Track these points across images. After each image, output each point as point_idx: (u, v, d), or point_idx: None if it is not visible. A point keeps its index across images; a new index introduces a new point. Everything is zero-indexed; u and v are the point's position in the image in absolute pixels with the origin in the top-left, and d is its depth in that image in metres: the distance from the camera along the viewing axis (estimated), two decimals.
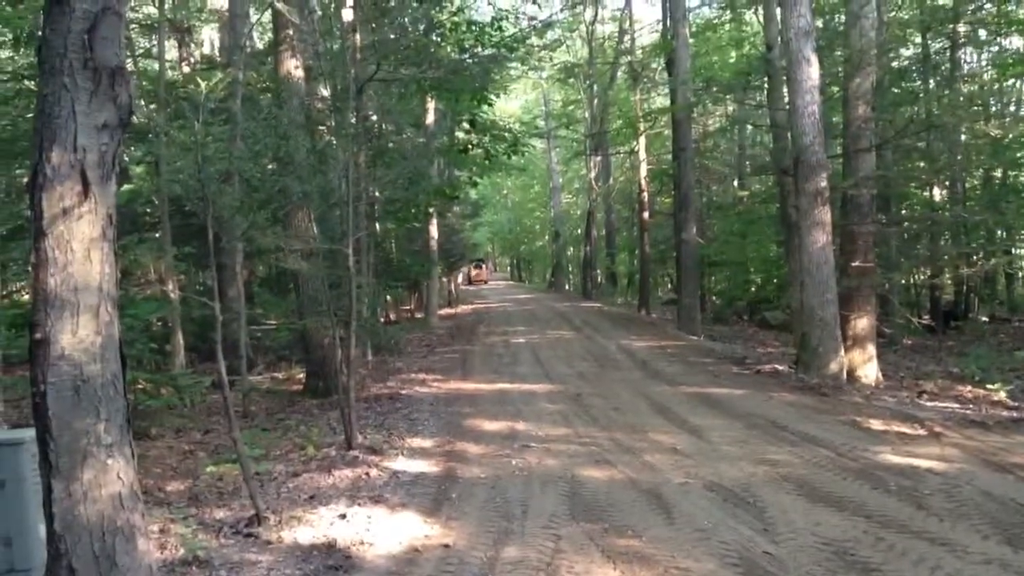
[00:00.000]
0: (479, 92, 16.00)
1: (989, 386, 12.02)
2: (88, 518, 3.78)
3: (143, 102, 16.23)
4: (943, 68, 22.00)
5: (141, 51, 20.35)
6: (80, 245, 3.79)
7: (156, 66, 18.43)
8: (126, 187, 15.64)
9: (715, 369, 14.72)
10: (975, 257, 20.66)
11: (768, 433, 9.17)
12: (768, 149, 24.34)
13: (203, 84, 11.70)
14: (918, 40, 21.17)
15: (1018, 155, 19.68)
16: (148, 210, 18.31)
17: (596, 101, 37.10)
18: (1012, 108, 23.93)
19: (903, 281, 21.25)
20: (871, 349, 13.52)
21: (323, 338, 13.02)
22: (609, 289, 41.48)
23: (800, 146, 13.10)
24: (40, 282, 3.75)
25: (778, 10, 15.81)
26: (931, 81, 22.08)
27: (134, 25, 18.78)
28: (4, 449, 4.89)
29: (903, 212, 21.48)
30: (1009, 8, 18.47)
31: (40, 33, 3.92)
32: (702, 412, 10.59)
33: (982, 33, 20.94)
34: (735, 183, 34.04)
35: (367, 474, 7.81)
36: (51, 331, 3.72)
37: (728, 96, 24.56)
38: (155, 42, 19.71)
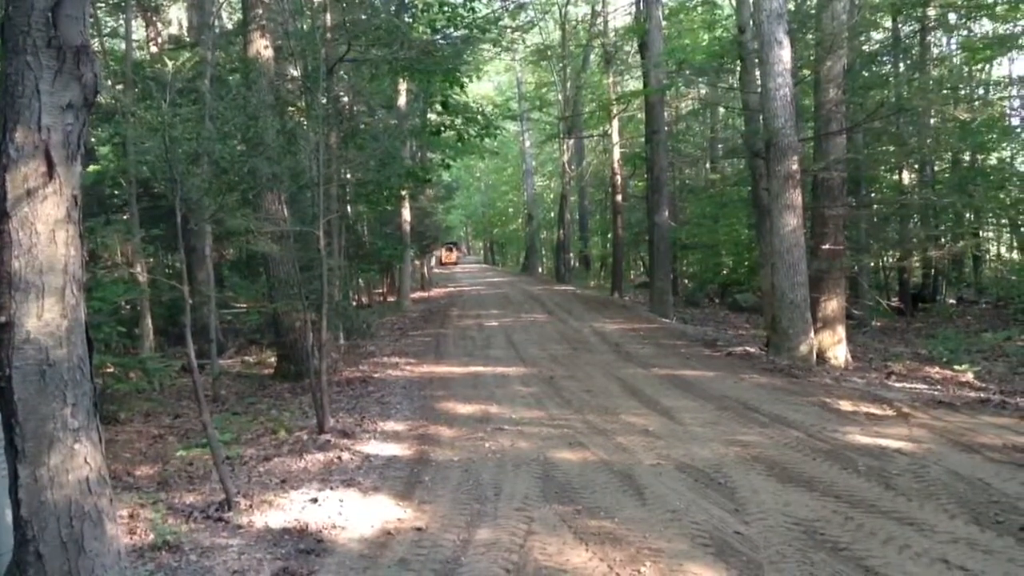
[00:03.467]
0: (451, 73, 15.89)
1: (957, 367, 12.19)
2: (55, 503, 3.74)
3: (109, 82, 15.98)
4: (913, 52, 22.17)
5: (108, 31, 20.03)
6: (45, 227, 3.73)
7: (123, 46, 18.16)
8: (92, 168, 15.41)
9: (687, 351, 14.80)
10: (943, 240, 20.90)
11: (739, 414, 9.23)
12: (740, 132, 24.43)
13: (171, 64, 11.54)
14: (889, 24, 21.30)
15: (986, 138, 19.92)
16: (115, 191, 18.08)
17: (569, 84, 37.01)
18: (981, 92, 24.13)
19: (872, 264, 21.49)
20: (841, 331, 13.65)
21: (294, 321, 12.95)
22: (582, 272, 41.55)
23: (772, 129, 13.14)
24: (4, 264, 3.68)
25: None
26: (901, 65, 22.25)
27: (101, 4, 18.46)
28: None
29: (873, 195, 21.68)
30: None
31: (3, 10, 3.84)
32: (674, 394, 10.65)
33: (952, 17, 21.09)
34: (707, 166, 34.19)
35: (339, 458, 7.78)
36: (16, 314, 3.67)
37: (701, 79, 24.61)
38: (122, 21, 19.41)
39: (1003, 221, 23.60)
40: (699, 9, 27.63)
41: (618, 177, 30.71)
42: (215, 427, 7.19)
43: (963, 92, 23.13)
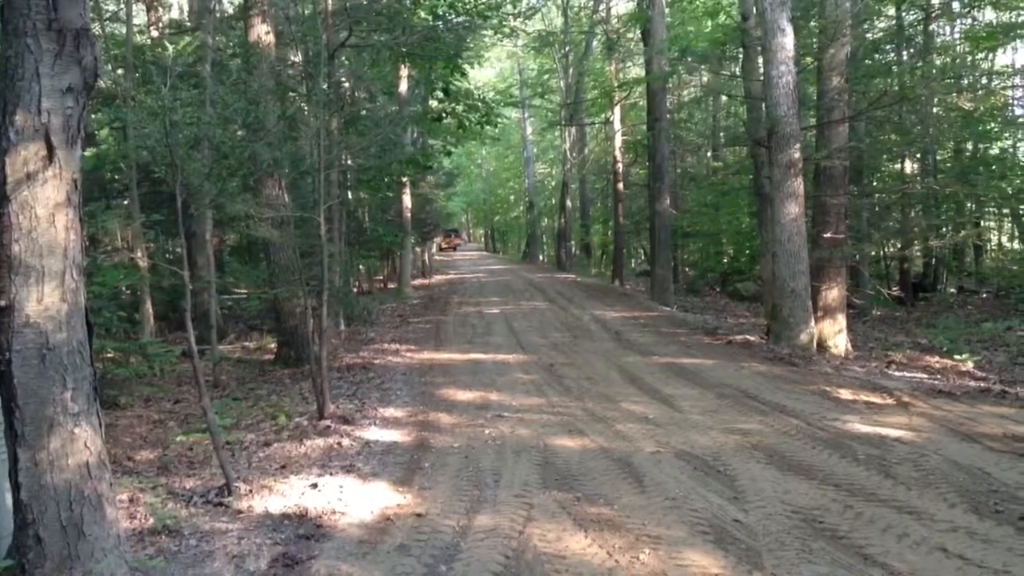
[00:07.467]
0: (452, 60, 15.85)
1: (957, 357, 12.17)
2: (55, 487, 3.74)
3: (110, 66, 15.94)
4: (916, 40, 22.08)
5: (108, 14, 19.96)
6: (45, 210, 3.73)
7: (124, 30, 18.10)
8: (92, 152, 15.38)
9: (687, 339, 14.79)
10: (944, 229, 20.85)
11: (739, 403, 9.24)
12: (742, 120, 24.36)
13: (171, 48, 11.50)
14: (892, 12, 21.21)
15: (989, 128, 19.86)
16: (115, 176, 18.05)
17: (571, 71, 36.84)
18: (983, 81, 24.05)
19: (874, 253, 21.43)
20: (841, 320, 13.63)
21: (295, 308, 12.94)
22: (583, 260, 41.49)
23: (774, 117, 13.10)
24: (4, 248, 3.68)
25: None
26: (904, 53, 22.16)
27: None
28: None
29: (875, 184, 21.62)
30: None
31: None
32: (674, 382, 10.65)
33: (955, 5, 21.00)
34: (709, 154, 34.09)
35: (339, 444, 7.79)
36: (16, 298, 3.67)
37: (703, 67, 24.53)
38: (123, 5, 19.34)
39: (1004, 211, 23.53)
40: None
41: (620, 165, 30.62)
42: (215, 412, 7.19)
43: (966, 81, 23.05)
